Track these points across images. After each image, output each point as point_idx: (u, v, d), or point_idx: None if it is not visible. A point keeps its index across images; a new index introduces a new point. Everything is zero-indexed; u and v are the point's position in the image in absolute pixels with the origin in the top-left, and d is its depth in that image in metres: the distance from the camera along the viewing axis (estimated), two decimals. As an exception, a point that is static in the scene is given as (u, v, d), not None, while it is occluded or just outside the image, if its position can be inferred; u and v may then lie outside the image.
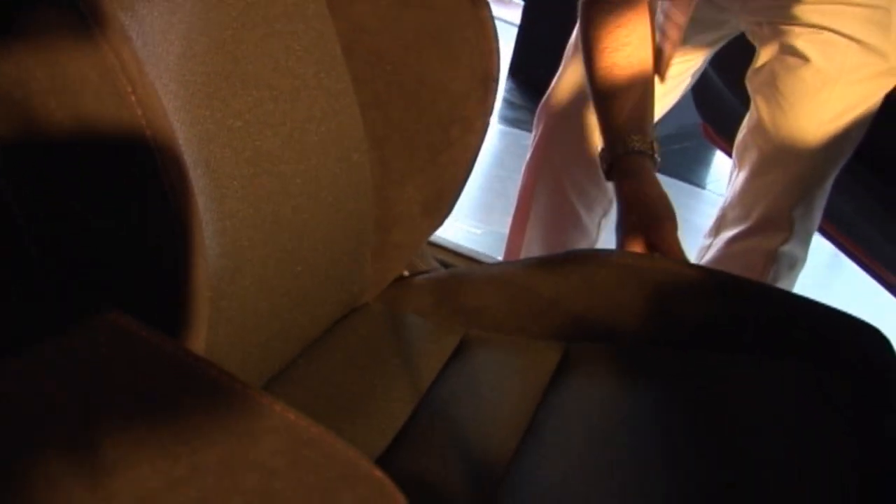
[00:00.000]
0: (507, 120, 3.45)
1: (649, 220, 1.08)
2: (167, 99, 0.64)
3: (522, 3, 3.88)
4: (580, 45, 1.35)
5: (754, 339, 0.93)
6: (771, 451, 0.81)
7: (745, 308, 0.95)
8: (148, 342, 0.50)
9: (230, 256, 0.70)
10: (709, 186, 3.61)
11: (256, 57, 0.75)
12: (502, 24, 4.55)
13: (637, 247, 1.06)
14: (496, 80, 0.90)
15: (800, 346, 0.92)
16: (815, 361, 0.91)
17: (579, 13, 1.24)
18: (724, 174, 1.58)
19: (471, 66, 0.88)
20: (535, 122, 1.53)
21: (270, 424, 0.47)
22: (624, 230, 1.09)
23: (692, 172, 3.60)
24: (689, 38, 1.32)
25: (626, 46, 1.19)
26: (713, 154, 3.46)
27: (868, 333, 0.92)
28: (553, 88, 1.50)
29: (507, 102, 3.62)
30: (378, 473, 0.46)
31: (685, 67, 1.42)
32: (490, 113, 0.91)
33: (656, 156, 1.15)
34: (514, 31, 3.96)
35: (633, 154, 1.13)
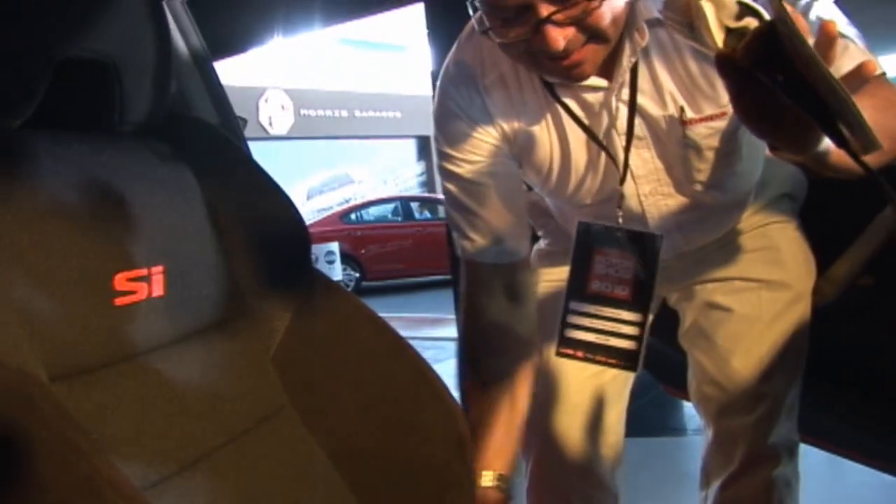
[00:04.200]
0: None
1: None
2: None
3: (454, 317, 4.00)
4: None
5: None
6: None
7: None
8: None
9: None
10: (689, 429, 3.57)
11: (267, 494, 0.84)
12: (444, 342, 4.67)
13: None
14: (470, 440, 0.99)
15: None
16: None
17: None
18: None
19: (444, 438, 0.97)
20: (524, 449, 1.50)
21: None
22: None
23: (667, 421, 3.58)
24: None
25: None
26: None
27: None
28: (531, 410, 1.47)
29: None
30: None
31: None
32: (473, 470, 0.98)
33: None
34: (453, 346, 4.06)
35: None
